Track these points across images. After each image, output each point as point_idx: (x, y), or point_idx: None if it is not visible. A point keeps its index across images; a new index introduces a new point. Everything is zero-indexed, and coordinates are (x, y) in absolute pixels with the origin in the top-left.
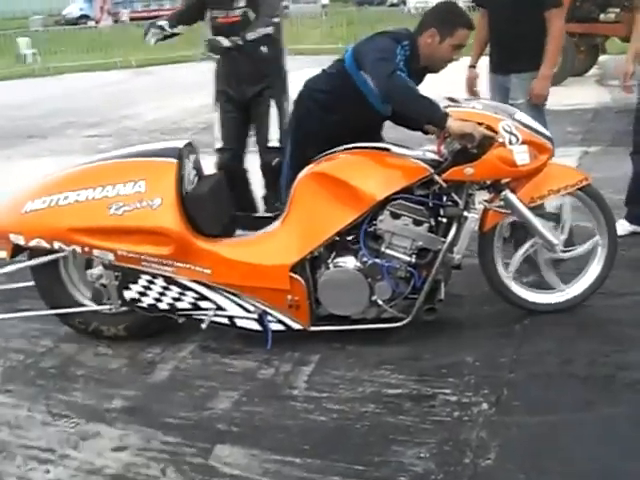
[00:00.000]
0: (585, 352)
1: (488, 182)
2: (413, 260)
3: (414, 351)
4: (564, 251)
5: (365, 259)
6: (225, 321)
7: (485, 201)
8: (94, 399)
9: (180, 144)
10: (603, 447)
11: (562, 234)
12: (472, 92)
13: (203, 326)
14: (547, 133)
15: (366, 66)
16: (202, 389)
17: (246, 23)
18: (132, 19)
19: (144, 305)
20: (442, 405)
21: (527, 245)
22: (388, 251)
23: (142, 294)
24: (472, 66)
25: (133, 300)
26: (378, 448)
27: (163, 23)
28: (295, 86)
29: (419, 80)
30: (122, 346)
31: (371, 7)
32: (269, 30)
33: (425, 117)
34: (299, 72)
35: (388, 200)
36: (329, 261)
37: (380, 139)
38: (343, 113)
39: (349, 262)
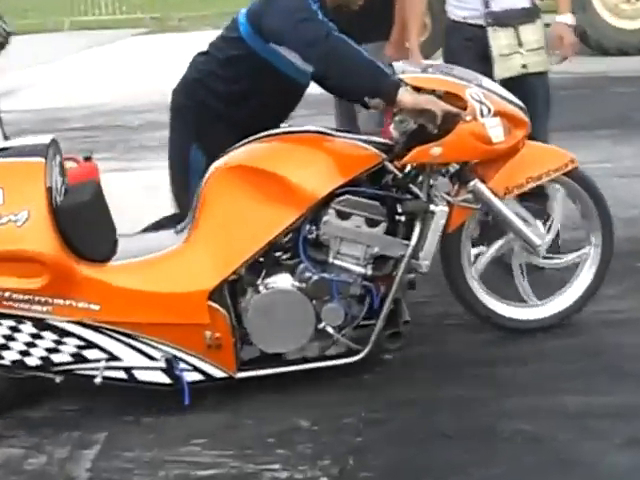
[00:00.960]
0: (453, 400)
1: (451, 169)
2: (369, 272)
3: (232, 417)
4: (546, 257)
5: (307, 274)
6: (121, 375)
7: (447, 194)
8: None
9: (45, 140)
10: None
11: (548, 233)
12: None
13: (97, 381)
14: (520, 103)
15: (283, 35)
16: None
17: None
18: None
19: (6, 362)
20: None
21: (500, 242)
22: (337, 262)
23: (3, 347)
24: None
25: None
26: None
27: None
28: None
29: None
30: None
31: None
32: None
33: (369, 89)
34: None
35: (332, 196)
36: (258, 282)
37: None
38: (255, 99)
39: (284, 281)
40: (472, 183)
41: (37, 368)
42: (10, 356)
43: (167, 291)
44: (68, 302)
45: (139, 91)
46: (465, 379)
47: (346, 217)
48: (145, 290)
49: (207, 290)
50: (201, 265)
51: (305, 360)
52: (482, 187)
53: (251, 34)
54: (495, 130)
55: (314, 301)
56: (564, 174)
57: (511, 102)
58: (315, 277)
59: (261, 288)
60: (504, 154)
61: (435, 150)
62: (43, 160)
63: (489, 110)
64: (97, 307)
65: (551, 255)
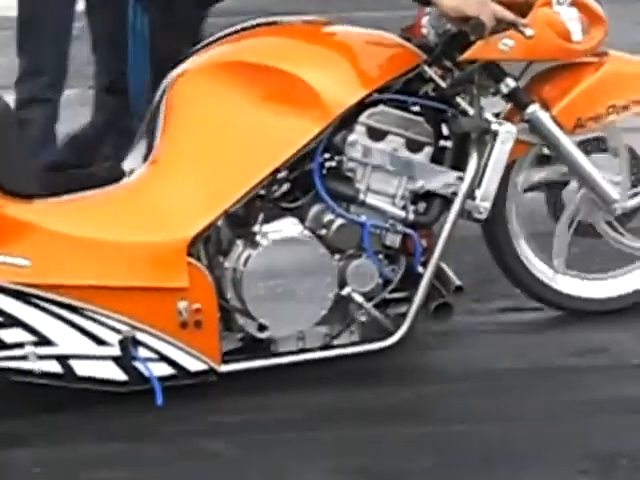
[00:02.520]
0: None
1: (503, 88)
2: (410, 216)
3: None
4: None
5: (329, 217)
6: (53, 367)
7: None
8: None
9: None
10: None
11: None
12: None
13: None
14: None
15: None
16: None
17: None
18: None
19: None
20: None
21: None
22: (370, 199)
23: None
24: None
25: None
26: None
27: None
28: None
29: None
30: None
31: None
32: None
33: None
34: None
35: (361, 107)
36: (256, 228)
37: None
38: None
39: (292, 228)
40: (531, 109)
41: None
42: None
43: (128, 240)
44: None
45: None
46: None
47: (380, 137)
48: (98, 238)
49: (187, 239)
50: (176, 202)
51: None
52: (544, 115)
53: None
54: (573, 25)
55: (337, 256)
56: None
57: None
58: (340, 221)
59: (259, 239)
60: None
61: (506, 42)
62: None
63: None
64: (26, 262)
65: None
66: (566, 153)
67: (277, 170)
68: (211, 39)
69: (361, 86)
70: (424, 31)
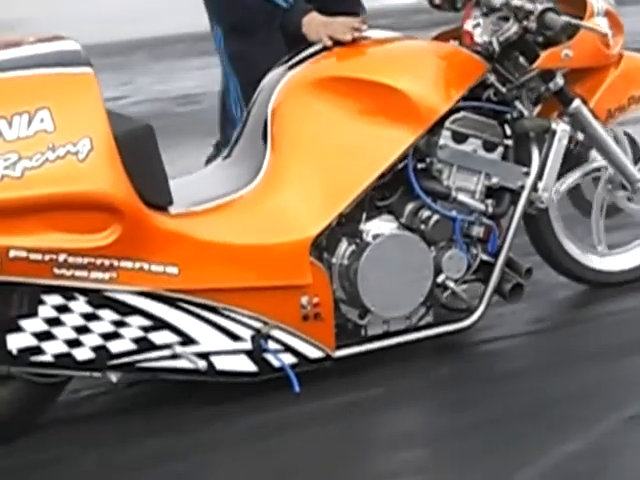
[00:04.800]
0: None
1: (552, 86)
2: (489, 209)
3: None
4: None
5: (426, 214)
6: (197, 364)
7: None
8: None
9: (75, 45)
10: None
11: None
12: None
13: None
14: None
15: None
16: None
17: None
18: None
19: (47, 359)
20: None
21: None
22: (459, 196)
23: (44, 336)
24: None
25: (23, 352)
26: None
27: None
28: None
29: None
30: None
31: None
32: None
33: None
34: None
35: (445, 115)
36: (360, 227)
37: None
38: None
39: (391, 225)
40: (574, 104)
41: (88, 363)
42: (54, 349)
43: (259, 242)
44: (138, 265)
45: None
46: None
47: (463, 140)
48: (232, 243)
49: (309, 239)
50: (296, 207)
51: (416, 327)
52: (585, 109)
53: None
54: (609, 34)
55: (432, 247)
56: None
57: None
58: (436, 216)
59: (366, 237)
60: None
61: (567, 52)
62: (91, 70)
63: (601, 8)
64: (175, 270)
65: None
66: (602, 141)
67: (383, 174)
68: (305, 54)
69: (449, 95)
70: (479, 39)
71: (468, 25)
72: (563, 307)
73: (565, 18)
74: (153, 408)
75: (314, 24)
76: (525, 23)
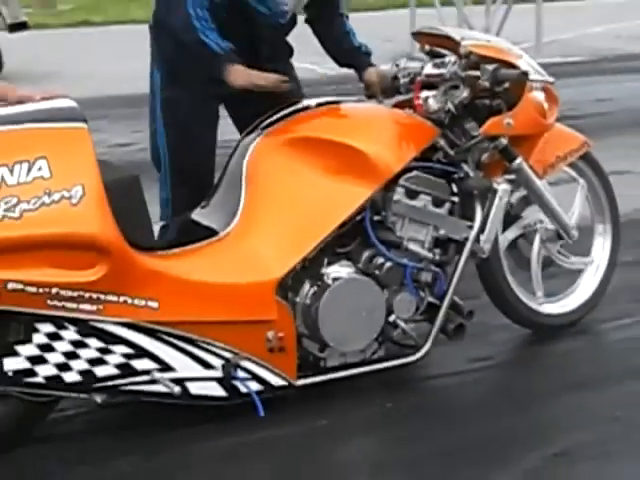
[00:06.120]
0: None
1: (499, 146)
2: (437, 257)
3: None
4: (561, 253)
5: (380, 260)
6: (173, 389)
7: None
8: None
9: (72, 103)
10: None
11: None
12: None
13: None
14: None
15: None
16: None
17: None
18: None
19: (39, 380)
20: None
21: (515, 228)
22: (411, 246)
23: (37, 360)
24: None
25: (17, 375)
26: None
27: None
28: None
29: None
30: None
31: None
32: None
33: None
34: None
35: (399, 173)
36: (322, 272)
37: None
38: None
39: (348, 269)
40: (517, 161)
41: (76, 385)
42: (45, 371)
43: (231, 281)
44: (122, 299)
45: None
46: None
47: (414, 196)
48: (207, 282)
49: (275, 280)
50: (265, 251)
51: (366, 361)
52: (525, 165)
53: None
54: (545, 105)
55: (385, 291)
56: (580, 157)
57: (543, 76)
58: (389, 263)
59: (326, 280)
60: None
61: (509, 121)
62: (85, 125)
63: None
64: (155, 304)
65: (565, 254)
66: (540, 194)
67: (343, 224)
68: (281, 114)
69: (403, 156)
70: (430, 107)
71: (419, 99)
72: (503, 347)
73: (517, 70)
74: (127, 429)
75: (240, 72)
76: (478, 83)
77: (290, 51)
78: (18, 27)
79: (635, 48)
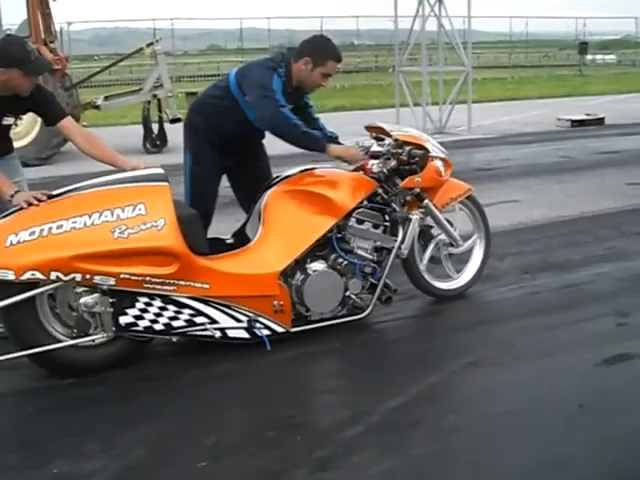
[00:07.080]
0: None
1: (415, 192)
2: (375, 257)
3: None
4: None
5: (340, 260)
6: (217, 334)
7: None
8: None
9: (160, 170)
10: None
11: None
12: None
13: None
14: (446, 151)
15: (250, 100)
16: None
17: None
18: None
19: (140, 329)
20: None
21: (434, 243)
22: (358, 251)
23: (139, 317)
24: None
25: (128, 325)
26: None
27: None
28: None
29: (298, 97)
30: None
31: None
32: None
33: (306, 147)
34: None
35: (353, 209)
36: (306, 267)
37: (260, 147)
38: (230, 125)
39: (322, 266)
40: (425, 202)
41: (161, 332)
42: (143, 324)
43: (252, 272)
44: (188, 283)
45: None
46: None
47: (361, 222)
48: (238, 272)
49: (278, 271)
50: (272, 255)
51: (334, 317)
52: (431, 204)
53: (235, 86)
54: (441, 168)
55: (343, 277)
56: (466, 197)
57: (442, 151)
58: (345, 262)
59: (309, 271)
60: (443, 184)
61: (418, 179)
62: (167, 184)
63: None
64: (207, 286)
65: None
66: (439, 221)
67: (319, 239)
68: (288, 173)
69: (355, 199)
70: (374, 170)
71: (368, 164)
72: (420, 306)
73: (423, 150)
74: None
75: (335, 147)
76: (400, 157)
77: (262, 135)
78: (177, 121)
79: (525, 129)
